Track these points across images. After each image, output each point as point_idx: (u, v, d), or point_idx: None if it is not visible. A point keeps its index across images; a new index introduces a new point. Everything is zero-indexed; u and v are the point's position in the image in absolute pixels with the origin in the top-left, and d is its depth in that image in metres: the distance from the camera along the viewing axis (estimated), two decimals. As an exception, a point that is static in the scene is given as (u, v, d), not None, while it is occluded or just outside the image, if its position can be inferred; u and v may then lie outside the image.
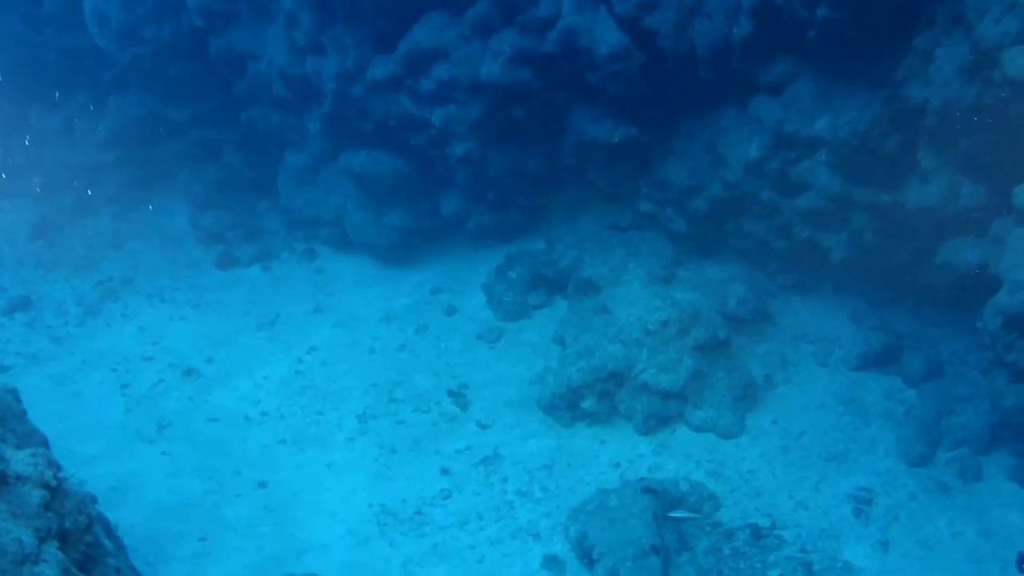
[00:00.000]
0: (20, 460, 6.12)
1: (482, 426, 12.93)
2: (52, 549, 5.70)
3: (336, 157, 16.39)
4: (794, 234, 13.94)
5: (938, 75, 11.46)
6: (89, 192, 17.83)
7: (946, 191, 12.35)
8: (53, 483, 6.12)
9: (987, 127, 11.36)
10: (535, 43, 14.13)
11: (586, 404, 12.81)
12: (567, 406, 12.86)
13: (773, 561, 10.91)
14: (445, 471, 12.25)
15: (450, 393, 13.40)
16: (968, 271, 12.26)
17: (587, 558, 10.70)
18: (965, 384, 12.76)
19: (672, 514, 10.87)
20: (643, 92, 14.16)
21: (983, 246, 12.26)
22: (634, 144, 14.76)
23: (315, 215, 16.77)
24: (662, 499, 11.13)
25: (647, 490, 11.13)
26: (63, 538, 6.05)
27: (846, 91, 12.90)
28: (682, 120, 14.77)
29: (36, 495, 5.93)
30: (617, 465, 12.30)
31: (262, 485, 12.21)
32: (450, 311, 15.02)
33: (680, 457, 12.41)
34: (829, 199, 13.30)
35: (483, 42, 14.41)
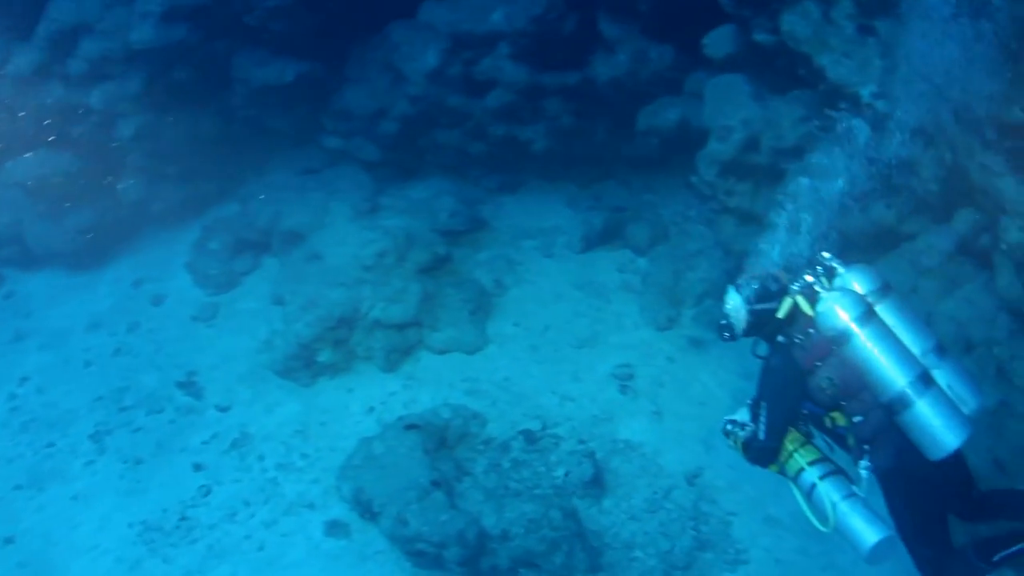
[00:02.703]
0: None
1: (222, 409, 12.11)
2: None
3: (-3, 171, 14.89)
4: (490, 134, 13.83)
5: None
6: None
7: (634, 58, 12.50)
8: None
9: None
10: (184, -4, 13.16)
11: (323, 357, 12.21)
12: (304, 365, 12.22)
13: (555, 460, 10.77)
14: (197, 467, 11.40)
15: (180, 385, 12.47)
16: (671, 131, 12.45)
17: (369, 513, 10.21)
18: (693, 240, 12.99)
19: None
20: (308, 24, 13.60)
21: (681, 104, 12.55)
22: (309, 80, 14.26)
23: (-12, 238, 15.24)
24: (427, 432, 10.75)
25: (410, 427, 10.70)
26: None
27: (515, -20, 12.69)
28: (354, 46, 14.26)
29: None
30: (371, 410, 11.83)
31: (8, 541, 10.91)
32: (157, 300, 13.95)
33: (432, 384, 12.05)
34: (518, 92, 13.25)
35: (128, 6, 13.44)
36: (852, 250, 10.10)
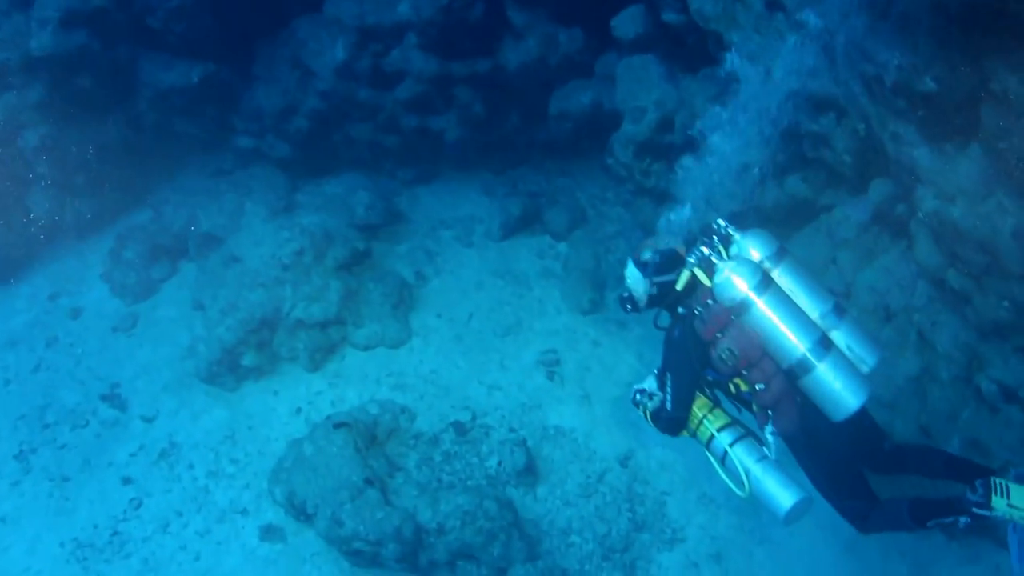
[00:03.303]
0: None
1: (147, 420, 11.93)
2: None
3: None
4: (403, 126, 13.80)
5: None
6: None
7: (543, 43, 12.55)
8: None
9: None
10: (83, 0, 13.00)
11: (246, 361, 12.08)
12: (228, 369, 12.08)
13: (487, 451, 10.84)
14: (127, 480, 11.23)
15: (103, 398, 12.24)
16: (584, 115, 12.50)
17: (303, 515, 10.19)
18: (611, 222, 13.12)
19: None
20: (211, 24, 13.44)
21: (593, 87, 12.61)
22: (216, 80, 14.09)
23: None
24: (357, 430, 10.71)
25: (338, 425, 10.64)
26: None
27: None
28: (261, 43, 14.12)
29: None
30: (299, 411, 11.77)
31: (-63, 570, 10.76)
32: (75, 313, 13.61)
33: (359, 381, 12.02)
34: (428, 81, 13.23)
35: (25, 13, 13.13)
36: (769, 224, 10.31)
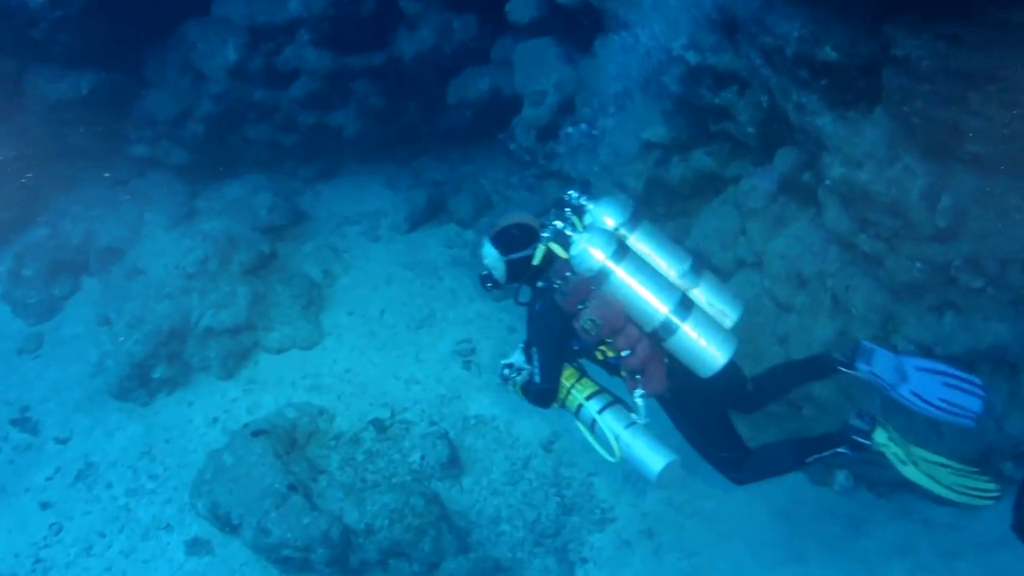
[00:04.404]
0: None
1: (61, 442, 11.71)
2: None
3: None
4: (301, 124, 13.72)
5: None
6: None
7: (437, 31, 12.50)
8: None
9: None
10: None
11: (158, 373, 11.89)
12: (139, 383, 11.88)
13: (409, 446, 10.77)
14: (45, 505, 11.00)
15: (14, 422, 11.97)
16: (483, 101, 12.48)
17: (229, 526, 10.05)
18: (517, 207, 13.07)
19: None
20: (98, 32, 13.12)
21: (490, 72, 12.57)
22: (107, 89, 13.76)
23: None
24: (275, 435, 10.60)
25: (257, 433, 10.51)
26: None
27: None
28: (151, 49, 13.86)
29: None
30: (215, 421, 11.63)
31: None
32: (-23, 337, 13.35)
33: (274, 386, 11.92)
34: (324, 77, 13.17)
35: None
36: (677, 199, 10.41)
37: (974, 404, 6.32)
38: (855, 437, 6.33)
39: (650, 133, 10.28)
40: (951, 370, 6.46)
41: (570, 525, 10.03)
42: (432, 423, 11.07)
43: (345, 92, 13.54)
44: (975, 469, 6.63)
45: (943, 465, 6.50)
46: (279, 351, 12.27)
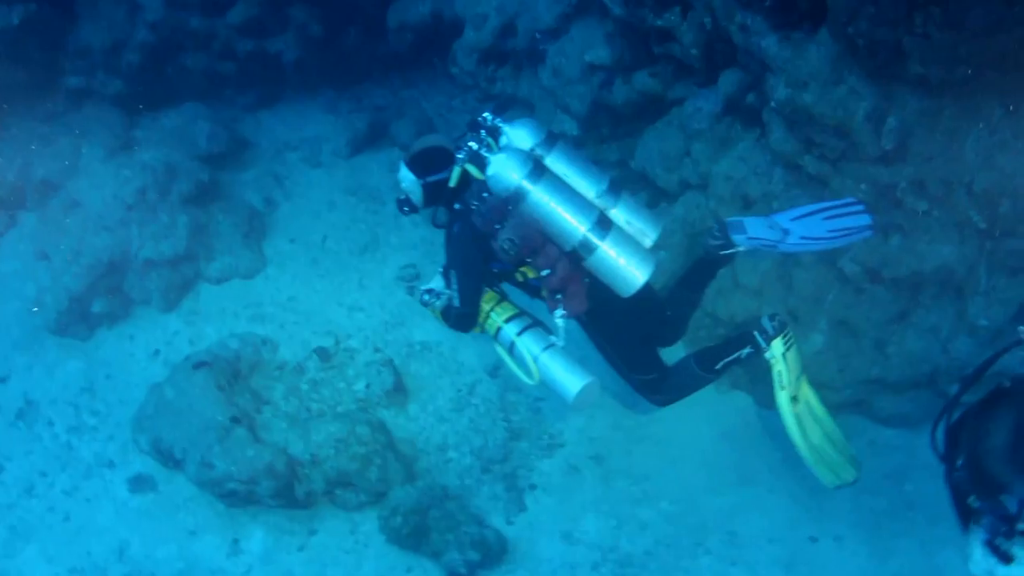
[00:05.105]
0: None
1: (0, 380, 11.48)
2: None
3: None
4: (239, 51, 13.42)
5: None
6: None
7: (375, -45, 12.26)
8: None
9: None
10: None
11: (97, 307, 11.63)
12: (79, 318, 11.64)
13: (354, 374, 10.65)
14: (-17, 445, 10.82)
15: (-51, 362, 11.74)
16: (424, 25, 12.34)
17: (172, 461, 9.93)
18: (459, 130, 12.91)
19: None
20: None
21: (431, -3, 12.39)
22: (38, 20, 13.24)
23: None
24: (218, 367, 10.43)
25: (199, 365, 10.35)
26: None
27: None
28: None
29: None
30: (157, 354, 11.43)
31: None
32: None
33: (216, 317, 11.73)
34: (261, 4, 12.94)
35: None
36: (622, 122, 10.32)
37: (863, 220, 6.52)
38: (757, 336, 6.38)
39: (592, 55, 10.20)
40: (823, 204, 6.67)
41: (518, 451, 9.98)
42: (376, 350, 10.93)
43: (283, 18, 13.27)
44: (852, 452, 6.89)
45: (824, 427, 6.75)
46: (220, 281, 12.07)
